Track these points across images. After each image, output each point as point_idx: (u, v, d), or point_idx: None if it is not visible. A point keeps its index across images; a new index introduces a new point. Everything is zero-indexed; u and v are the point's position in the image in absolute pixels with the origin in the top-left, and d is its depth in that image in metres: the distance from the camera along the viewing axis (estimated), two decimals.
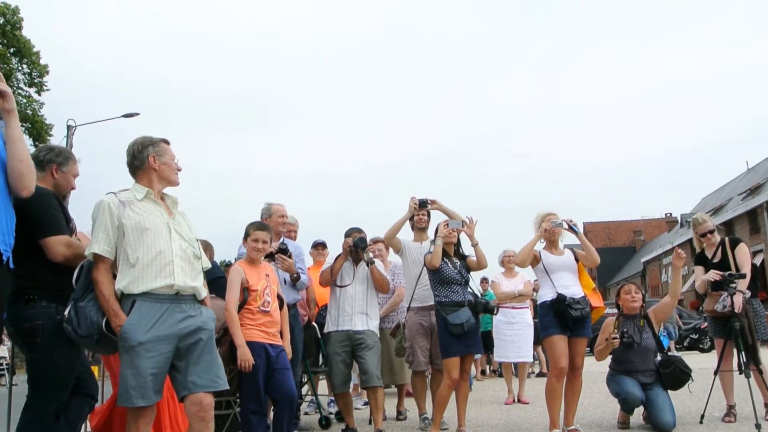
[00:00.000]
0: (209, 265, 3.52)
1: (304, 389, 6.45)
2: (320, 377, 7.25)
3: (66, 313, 2.98)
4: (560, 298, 4.81)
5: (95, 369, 5.72)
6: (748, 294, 5.16)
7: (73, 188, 3.57)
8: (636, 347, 5.07)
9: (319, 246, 7.11)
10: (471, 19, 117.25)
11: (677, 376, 5.06)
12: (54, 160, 3.39)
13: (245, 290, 4.26)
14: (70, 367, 3.15)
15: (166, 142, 3.33)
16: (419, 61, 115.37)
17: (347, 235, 5.43)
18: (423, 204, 5.69)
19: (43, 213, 3.09)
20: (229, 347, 4.20)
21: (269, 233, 4.57)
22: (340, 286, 5.33)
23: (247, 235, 4.48)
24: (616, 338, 4.94)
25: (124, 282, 3.00)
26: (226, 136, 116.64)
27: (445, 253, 5.14)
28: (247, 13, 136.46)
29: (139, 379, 2.90)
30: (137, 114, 20.22)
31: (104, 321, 2.94)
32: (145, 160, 3.19)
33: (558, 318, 4.82)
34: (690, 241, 6.04)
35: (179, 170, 3.31)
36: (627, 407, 5.08)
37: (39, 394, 3.05)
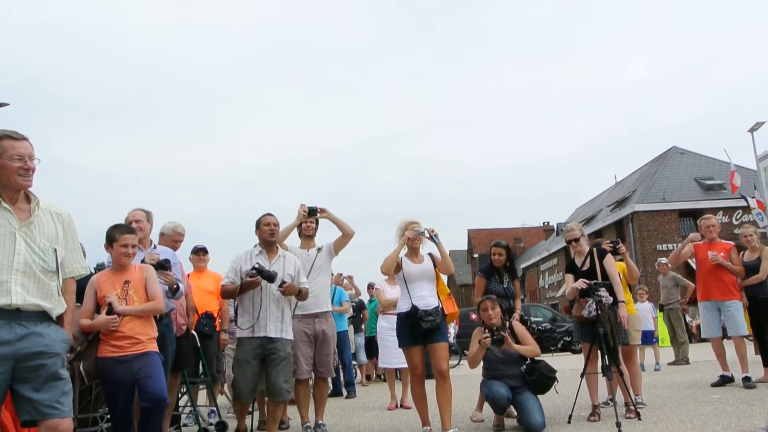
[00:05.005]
0: (85, 272, 3.26)
1: (183, 400, 6.20)
2: (200, 387, 7.00)
3: None
4: (413, 311, 5.06)
5: None
6: (610, 300, 5.51)
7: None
8: (501, 355, 5.38)
9: (200, 251, 6.90)
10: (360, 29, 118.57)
11: (542, 381, 5.33)
12: None
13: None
14: None
15: (11, 137, 2.88)
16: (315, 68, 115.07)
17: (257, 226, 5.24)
18: (312, 212, 5.70)
19: None
20: (93, 361, 3.97)
21: (137, 236, 4.35)
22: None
23: (112, 240, 4.16)
24: (487, 337, 5.21)
25: None
26: (107, 132, 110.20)
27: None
28: (135, 6, 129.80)
29: None
30: (6, 104, 18.64)
31: None
32: None
33: (411, 329, 5.08)
34: (565, 248, 6.43)
35: (27, 169, 2.88)
36: (496, 407, 5.31)
37: None
